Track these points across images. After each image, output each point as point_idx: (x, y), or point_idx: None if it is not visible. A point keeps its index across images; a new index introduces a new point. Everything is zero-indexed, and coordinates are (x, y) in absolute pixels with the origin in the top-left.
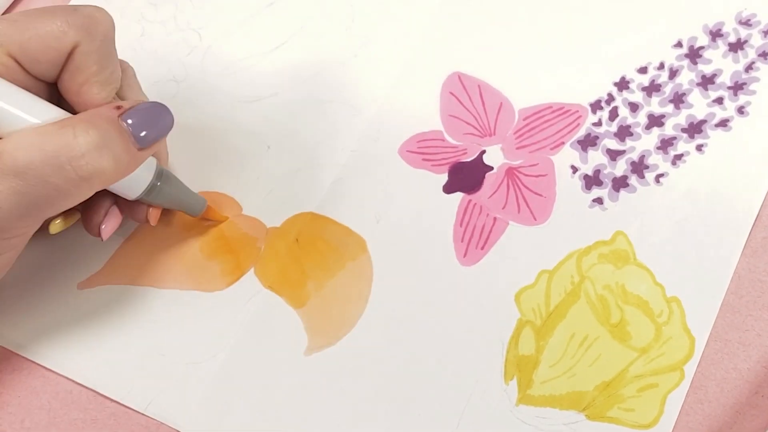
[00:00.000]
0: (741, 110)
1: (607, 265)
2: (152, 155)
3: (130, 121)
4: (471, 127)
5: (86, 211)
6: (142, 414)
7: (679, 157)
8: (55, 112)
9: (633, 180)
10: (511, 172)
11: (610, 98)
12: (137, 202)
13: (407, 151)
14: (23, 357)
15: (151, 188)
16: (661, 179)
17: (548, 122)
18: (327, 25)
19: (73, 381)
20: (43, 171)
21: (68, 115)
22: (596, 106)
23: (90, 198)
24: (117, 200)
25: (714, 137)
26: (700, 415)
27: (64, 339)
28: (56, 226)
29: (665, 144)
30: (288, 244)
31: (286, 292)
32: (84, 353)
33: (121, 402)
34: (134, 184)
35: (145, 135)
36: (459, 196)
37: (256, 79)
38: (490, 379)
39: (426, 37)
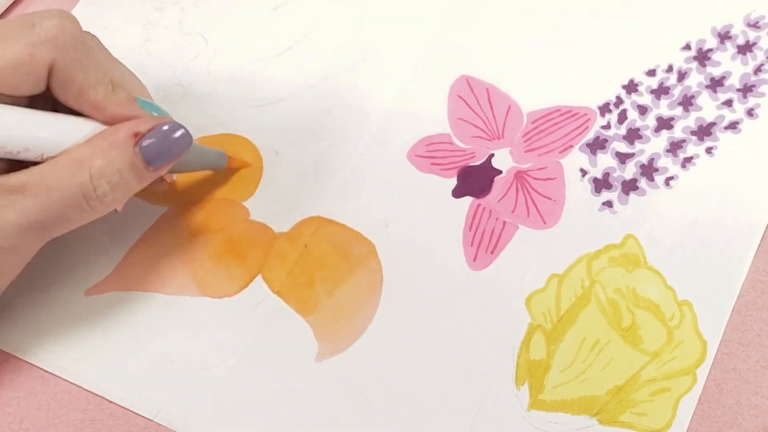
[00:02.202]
0: (750, 112)
1: (618, 269)
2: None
3: (143, 152)
4: (479, 131)
5: None
6: (146, 418)
7: (688, 159)
8: (69, 125)
9: (643, 183)
10: (519, 176)
11: (619, 101)
12: None
13: (416, 155)
14: (21, 358)
15: None
16: (670, 182)
17: (557, 125)
18: (335, 28)
19: (76, 384)
20: (61, 210)
21: (86, 121)
22: (605, 109)
23: None
24: None
25: (723, 140)
26: (699, 415)
27: (72, 346)
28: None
29: (674, 147)
30: (297, 249)
31: (295, 298)
32: (92, 360)
33: (130, 409)
34: None
35: (159, 160)
36: (468, 200)
37: (263, 83)
38: (502, 384)
39: (434, 40)
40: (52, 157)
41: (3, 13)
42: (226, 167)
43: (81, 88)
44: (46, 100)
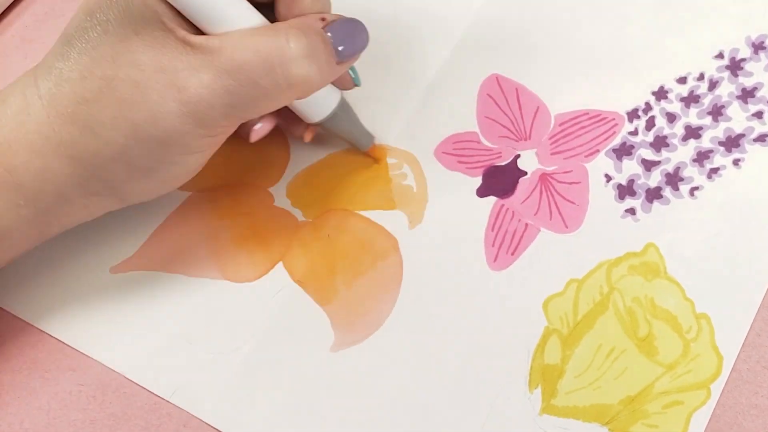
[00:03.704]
0: None
1: (637, 277)
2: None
3: (330, 34)
4: (507, 131)
5: None
6: (142, 412)
7: (715, 170)
8: (261, 19)
9: (667, 192)
10: (544, 178)
11: (648, 107)
12: (297, 118)
13: (443, 152)
14: (22, 357)
15: (332, 115)
16: (695, 192)
17: (584, 129)
18: (368, 21)
19: (78, 379)
20: (255, 73)
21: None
22: (633, 115)
23: None
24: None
25: (752, 152)
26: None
27: (94, 321)
28: (257, 134)
29: (701, 157)
30: (320, 240)
31: (315, 287)
32: (112, 337)
33: (147, 388)
34: (320, 108)
35: (343, 49)
36: (492, 200)
37: None
38: (515, 386)
39: (466, 37)
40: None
41: (3, 12)
42: (366, 152)
43: None
44: None
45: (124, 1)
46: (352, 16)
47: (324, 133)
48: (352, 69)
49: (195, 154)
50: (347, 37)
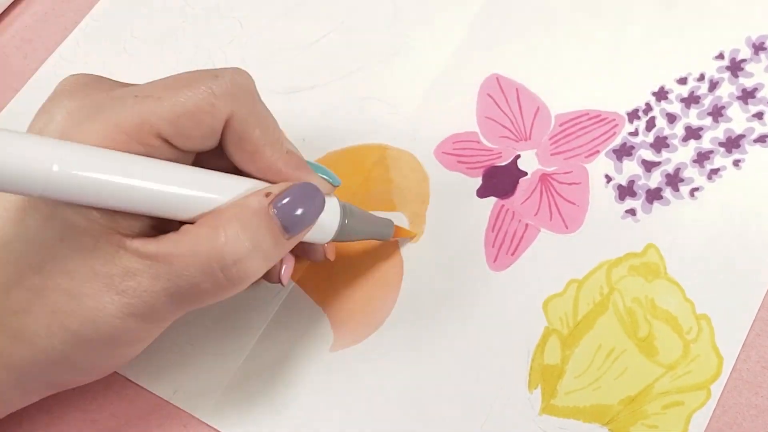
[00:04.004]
0: None
1: (637, 278)
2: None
3: (280, 205)
4: (507, 131)
5: None
6: (143, 413)
7: (715, 171)
8: (221, 180)
9: (667, 193)
10: (544, 179)
11: (648, 108)
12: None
13: (443, 152)
14: None
15: (340, 229)
16: (695, 193)
17: (584, 129)
18: (368, 21)
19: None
20: (194, 278)
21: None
22: (633, 116)
23: None
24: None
25: (752, 153)
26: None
27: None
28: (285, 278)
29: (702, 157)
30: None
31: (315, 287)
32: None
33: (147, 388)
34: (324, 230)
35: (293, 226)
36: (492, 200)
37: (294, 70)
38: (514, 386)
39: (466, 37)
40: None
41: (3, 13)
42: (392, 237)
43: (257, 146)
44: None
45: (46, 208)
46: (304, 182)
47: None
48: (324, 171)
49: (143, 342)
50: (298, 208)
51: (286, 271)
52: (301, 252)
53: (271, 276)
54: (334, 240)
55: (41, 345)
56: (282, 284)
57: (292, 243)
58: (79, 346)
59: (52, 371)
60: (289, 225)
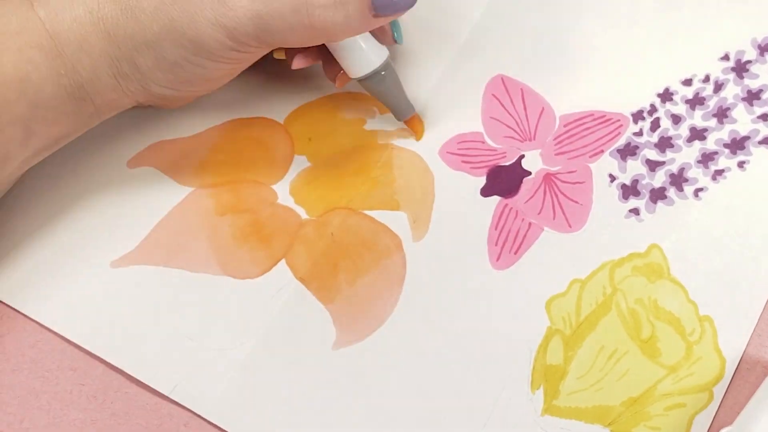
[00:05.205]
0: None
1: (641, 279)
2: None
3: None
4: (511, 131)
5: None
6: (143, 412)
7: (719, 172)
8: None
9: (671, 192)
10: (548, 178)
11: (653, 109)
12: (335, 61)
13: (447, 152)
14: (22, 357)
15: (374, 74)
16: (700, 194)
17: (589, 130)
18: None
19: (79, 378)
20: (284, 7)
21: None
22: (638, 116)
23: None
24: (322, 48)
25: (756, 154)
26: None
27: (95, 315)
28: (297, 62)
29: (706, 158)
30: (323, 238)
31: (318, 285)
32: (113, 331)
33: (146, 383)
34: (362, 63)
35: (384, 6)
36: (496, 199)
37: (301, 72)
38: (517, 386)
39: (471, 38)
40: None
41: None
42: (405, 122)
43: None
44: None
45: None
46: None
47: (366, 93)
48: (396, 26)
49: (221, 63)
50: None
51: (301, 59)
52: (326, 65)
53: (288, 53)
54: (364, 79)
55: (143, 21)
56: (292, 66)
57: (375, 23)
58: (170, 34)
59: (142, 52)
60: (379, 4)
